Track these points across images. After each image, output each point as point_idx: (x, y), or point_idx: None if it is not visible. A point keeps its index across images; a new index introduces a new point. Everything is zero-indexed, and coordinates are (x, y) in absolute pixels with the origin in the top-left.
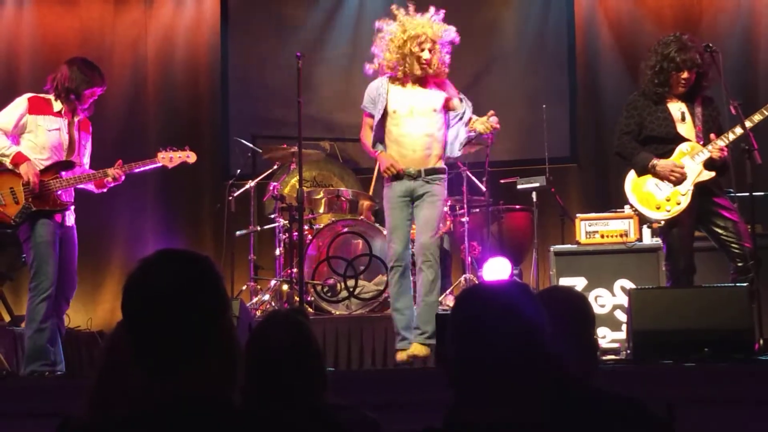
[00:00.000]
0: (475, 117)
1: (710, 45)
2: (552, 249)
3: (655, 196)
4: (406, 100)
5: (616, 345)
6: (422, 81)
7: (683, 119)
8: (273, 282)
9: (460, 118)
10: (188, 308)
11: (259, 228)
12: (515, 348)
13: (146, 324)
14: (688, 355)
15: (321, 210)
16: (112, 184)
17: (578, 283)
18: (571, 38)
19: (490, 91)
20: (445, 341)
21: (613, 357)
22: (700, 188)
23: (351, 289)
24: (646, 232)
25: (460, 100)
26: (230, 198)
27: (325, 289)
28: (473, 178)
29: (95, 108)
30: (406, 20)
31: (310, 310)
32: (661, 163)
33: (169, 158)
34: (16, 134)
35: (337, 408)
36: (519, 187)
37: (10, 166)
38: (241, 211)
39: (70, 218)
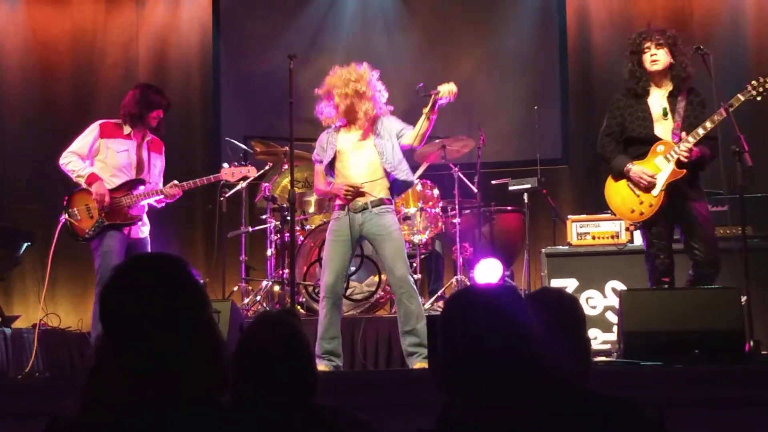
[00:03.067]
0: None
1: (701, 46)
2: (543, 250)
3: (629, 199)
4: (351, 138)
5: (607, 346)
6: (360, 125)
7: (664, 115)
8: (264, 283)
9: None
10: (164, 311)
11: (250, 229)
12: (505, 350)
13: (125, 330)
14: (678, 356)
15: (312, 211)
16: (165, 201)
17: (569, 284)
18: (563, 40)
19: (482, 92)
20: (436, 343)
21: (604, 358)
22: (676, 188)
23: (342, 292)
24: (637, 233)
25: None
26: (222, 199)
27: (316, 290)
28: (465, 179)
29: (91, 110)
30: (330, 75)
31: (301, 311)
32: (633, 168)
33: (231, 173)
34: (90, 157)
35: (329, 410)
36: (510, 188)
37: (85, 186)
38: (233, 212)
39: (141, 231)
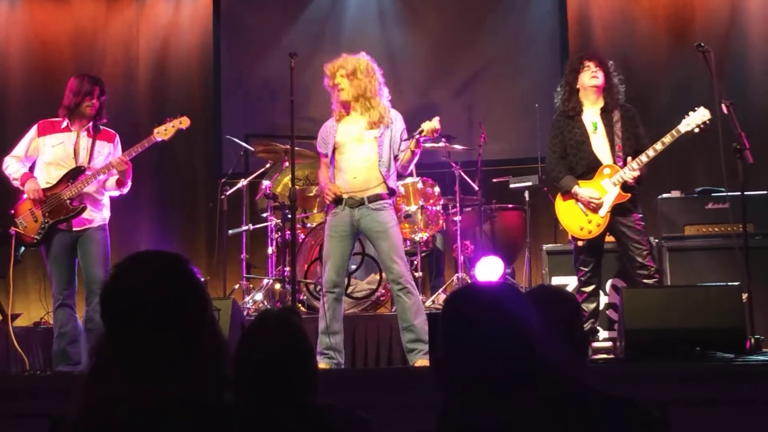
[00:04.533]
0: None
1: (702, 44)
2: (544, 248)
3: (578, 217)
4: (351, 129)
5: (608, 344)
6: (364, 113)
7: (595, 128)
8: (265, 281)
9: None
10: (166, 311)
11: (251, 227)
12: (505, 348)
13: (126, 330)
14: (679, 353)
15: (314, 209)
16: (128, 180)
17: (570, 282)
18: (564, 38)
19: (483, 90)
20: (436, 341)
21: (605, 356)
22: (616, 207)
23: (344, 288)
24: None
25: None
26: (223, 197)
27: (317, 288)
28: (466, 177)
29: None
30: (332, 61)
31: (302, 309)
32: (581, 192)
33: (164, 131)
34: (31, 158)
35: (330, 408)
36: (512, 186)
37: (22, 188)
38: (234, 210)
39: (87, 218)
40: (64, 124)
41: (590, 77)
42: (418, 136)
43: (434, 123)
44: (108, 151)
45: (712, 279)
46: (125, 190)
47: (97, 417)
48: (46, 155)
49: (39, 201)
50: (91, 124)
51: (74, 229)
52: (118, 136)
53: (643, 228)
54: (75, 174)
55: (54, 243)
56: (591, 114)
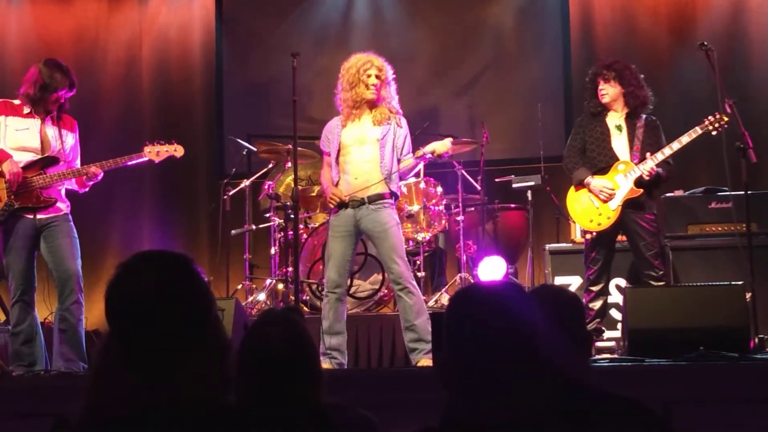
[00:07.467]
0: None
1: (705, 42)
2: (547, 248)
3: (589, 209)
4: (355, 132)
5: (611, 343)
6: (371, 114)
7: (620, 130)
8: (268, 281)
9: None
10: (170, 310)
11: (254, 227)
12: (509, 348)
13: (131, 330)
14: (683, 353)
15: (316, 209)
16: (90, 183)
17: (573, 281)
18: (566, 37)
19: (485, 90)
20: (440, 340)
21: (608, 355)
22: (629, 203)
23: (346, 288)
24: None
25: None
26: (225, 197)
27: (320, 288)
28: (468, 176)
29: (94, 109)
30: (355, 57)
31: (305, 309)
32: (593, 182)
33: (156, 152)
34: None
35: (332, 407)
36: (514, 185)
37: None
38: (237, 210)
39: (56, 208)
40: (27, 110)
41: (600, 95)
42: (425, 154)
43: (445, 145)
44: (72, 141)
45: (716, 278)
46: (84, 191)
47: (102, 416)
48: (9, 138)
49: (12, 183)
50: (54, 112)
51: (39, 217)
52: (76, 122)
53: (655, 229)
54: (48, 163)
55: (16, 231)
56: (616, 118)
